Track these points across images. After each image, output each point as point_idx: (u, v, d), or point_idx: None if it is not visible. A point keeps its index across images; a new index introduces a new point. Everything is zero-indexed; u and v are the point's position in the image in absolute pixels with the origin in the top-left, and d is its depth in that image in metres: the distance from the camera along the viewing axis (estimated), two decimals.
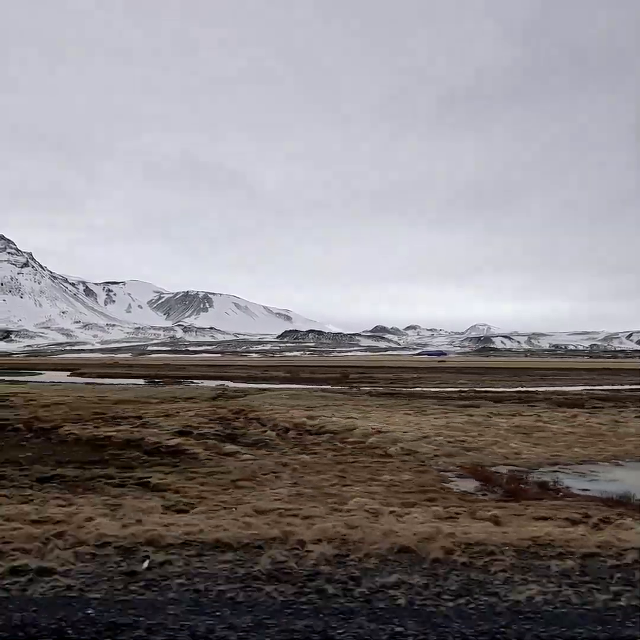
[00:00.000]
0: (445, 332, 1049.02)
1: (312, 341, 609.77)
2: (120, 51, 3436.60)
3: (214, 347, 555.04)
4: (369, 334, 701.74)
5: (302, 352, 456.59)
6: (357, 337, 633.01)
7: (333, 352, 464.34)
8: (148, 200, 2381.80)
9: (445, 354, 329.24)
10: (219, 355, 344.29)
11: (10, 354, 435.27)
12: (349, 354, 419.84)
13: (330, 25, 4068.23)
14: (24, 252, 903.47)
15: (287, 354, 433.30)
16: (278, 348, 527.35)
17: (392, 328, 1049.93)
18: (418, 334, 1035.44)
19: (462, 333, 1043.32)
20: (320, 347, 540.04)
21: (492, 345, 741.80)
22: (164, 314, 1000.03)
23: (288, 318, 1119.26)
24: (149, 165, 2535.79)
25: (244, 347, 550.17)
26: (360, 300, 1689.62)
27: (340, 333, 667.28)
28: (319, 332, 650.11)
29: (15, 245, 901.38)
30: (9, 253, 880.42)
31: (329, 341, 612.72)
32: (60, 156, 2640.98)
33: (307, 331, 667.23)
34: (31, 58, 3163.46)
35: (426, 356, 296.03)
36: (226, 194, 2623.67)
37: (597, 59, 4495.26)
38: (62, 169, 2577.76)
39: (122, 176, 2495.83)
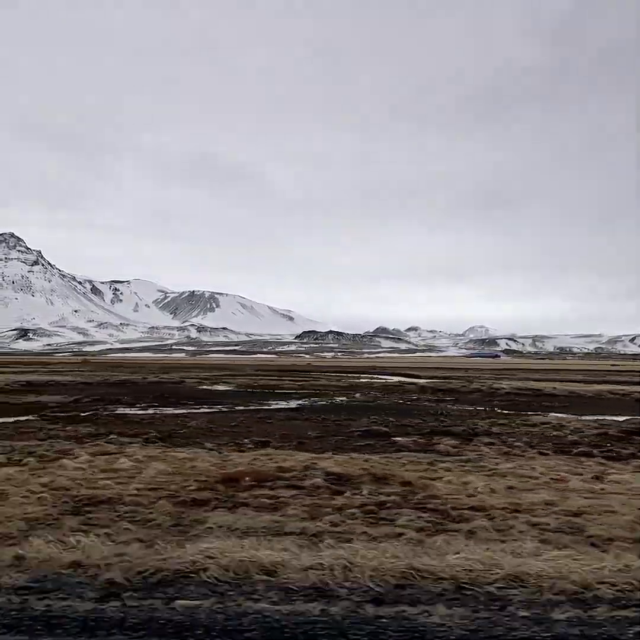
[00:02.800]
0: (445, 333, 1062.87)
1: (332, 342, 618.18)
2: (133, 49, 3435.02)
3: (239, 347, 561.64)
4: (387, 335, 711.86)
5: (332, 354, 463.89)
6: (376, 339, 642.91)
7: (363, 353, 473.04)
8: (150, 199, 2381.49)
9: (499, 356, 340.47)
10: (274, 356, 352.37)
11: (51, 354, 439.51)
12: (387, 355, 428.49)
13: (349, 21, 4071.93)
14: (33, 250, 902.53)
15: (320, 354, 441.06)
16: (304, 349, 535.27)
17: (393, 329, 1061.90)
18: (419, 336, 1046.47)
19: (462, 334, 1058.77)
20: (343, 348, 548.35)
21: (497, 347, 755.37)
22: (171, 314, 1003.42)
23: (290, 318, 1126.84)
24: (154, 165, 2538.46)
25: (270, 348, 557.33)
26: (359, 301, 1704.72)
27: (359, 334, 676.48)
28: (339, 333, 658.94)
29: (24, 243, 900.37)
30: (19, 251, 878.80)
31: (349, 342, 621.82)
32: (62, 154, 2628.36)
33: (326, 332, 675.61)
34: (43, 58, 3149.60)
35: (480, 357, 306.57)
36: (229, 193, 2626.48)
37: (599, 63, 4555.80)
38: (63, 166, 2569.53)
39: (126, 175, 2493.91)
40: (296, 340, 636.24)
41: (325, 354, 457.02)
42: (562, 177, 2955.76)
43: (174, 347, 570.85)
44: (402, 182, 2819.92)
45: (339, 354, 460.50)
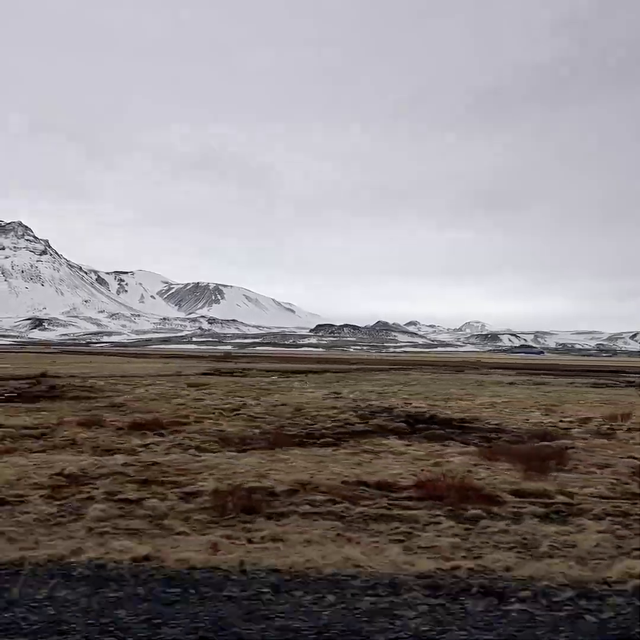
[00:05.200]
0: (444, 328, 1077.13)
1: (349, 336, 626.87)
2: (140, 47, 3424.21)
3: (260, 339, 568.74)
4: (402, 328, 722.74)
5: (359, 348, 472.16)
6: (392, 333, 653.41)
7: (390, 347, 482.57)
8: (151, 191, 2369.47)
9: (543, 353, 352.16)
10: (322, 350, 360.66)
11: (87, 344, 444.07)
12: (414, 350, 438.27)
13: (353, 20, 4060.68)
14: (41, 240, 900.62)
15: (347, 349, 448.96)
16: (325, 342, 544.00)
17: (393, 324, 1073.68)
18: (419, 330, 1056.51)
19: (459, 329, 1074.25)
20: (361, 342, 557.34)
21: (500, 343, 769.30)
22: (176, 305, 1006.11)
23: (292, 311, 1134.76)
24: (159, 158, 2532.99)
25: (291, 340, 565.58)
26: (356, 295, 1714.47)
27: (375, 328, 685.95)
28: (354, 327, 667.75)
29: (32, 232, 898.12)
30: (27, 240, 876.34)
31: (365, 336, 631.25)
32: (62, 142, 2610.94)
33: (341, 325, 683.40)
34: (52, 55, 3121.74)
35: (524, 354, 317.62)
36: (230, 188, 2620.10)
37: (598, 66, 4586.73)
38: (65, 156, 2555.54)
39: (128, 165, 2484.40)
40: (311, 334, 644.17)
41: (352, 348, 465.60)
42: (562, 177, 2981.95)
43: (193, 339, 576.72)
44: (402, 180, 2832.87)
45: (365, 348, 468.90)
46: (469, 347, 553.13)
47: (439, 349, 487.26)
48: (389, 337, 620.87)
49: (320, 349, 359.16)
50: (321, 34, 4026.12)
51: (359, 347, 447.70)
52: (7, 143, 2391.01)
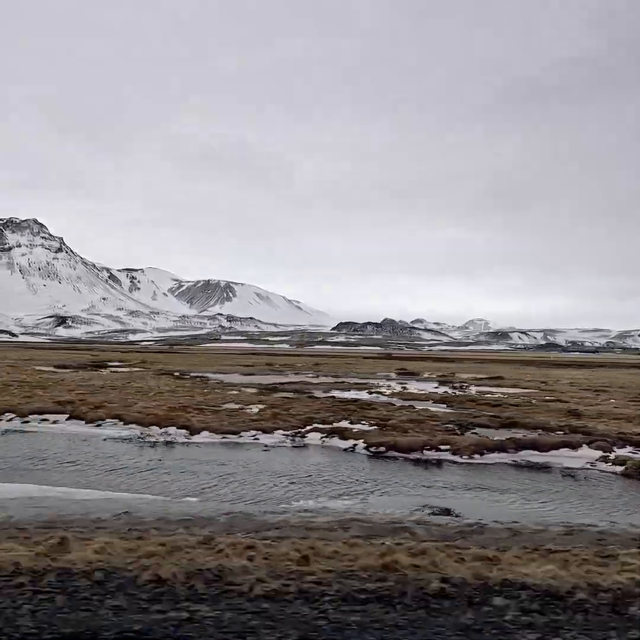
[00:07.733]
0: (450, 326, 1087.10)
1: (374, 334, 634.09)
2: (151, 45, 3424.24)
3: (289, 337, 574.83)
4: (409, 325, 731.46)
5: (410, 347, 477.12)
6: (416, 331, 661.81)
7: (424, 346, 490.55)
8: (154, 190, 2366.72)
9: (598, 352, 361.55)
10: (378, 348, 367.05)
11: (132, 343, 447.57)
12: (451, 348, 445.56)
13: (354, 21, 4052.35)
14: (56, 237, 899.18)
15: (388, 348, 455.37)
16: (354, 340, 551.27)
17: (400, 321, 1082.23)
18: (426, 328, 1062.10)
19: (464, 327, 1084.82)
20: (391, 341, 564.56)
21: (510, 340, 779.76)
22: (187, 302, 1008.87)
23: (300, 309, 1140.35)
24: (162, 157, 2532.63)
25: (320, 339, 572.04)
26: (359, 293, 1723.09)
27: (397, 325, 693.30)
28: (378, 325, 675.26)
29: (48, 229, 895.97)
30: (42, 237, 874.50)
31: (388, 334, 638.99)
32: (61, 141, 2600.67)
33: (364, 323, 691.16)
34: (53, 50, 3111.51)
35: (577, 353, 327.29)
36: (230, 183, 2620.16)
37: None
38: (65, 155, 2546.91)
39: (130, 164, 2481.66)
40: (336, 331, 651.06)
41: (403, 347, 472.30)
42: (562, 177, 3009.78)
43: (222, 337, 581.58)
44: (403, 180, 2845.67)
45: (403, 347, 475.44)
46: (495, 346, 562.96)
47: (473, 347, 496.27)
48: (413, 335, 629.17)
49: (377, 348, 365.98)
50: (321, 34, 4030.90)
51: (409, 347, 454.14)
52: (10, 142, 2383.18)
